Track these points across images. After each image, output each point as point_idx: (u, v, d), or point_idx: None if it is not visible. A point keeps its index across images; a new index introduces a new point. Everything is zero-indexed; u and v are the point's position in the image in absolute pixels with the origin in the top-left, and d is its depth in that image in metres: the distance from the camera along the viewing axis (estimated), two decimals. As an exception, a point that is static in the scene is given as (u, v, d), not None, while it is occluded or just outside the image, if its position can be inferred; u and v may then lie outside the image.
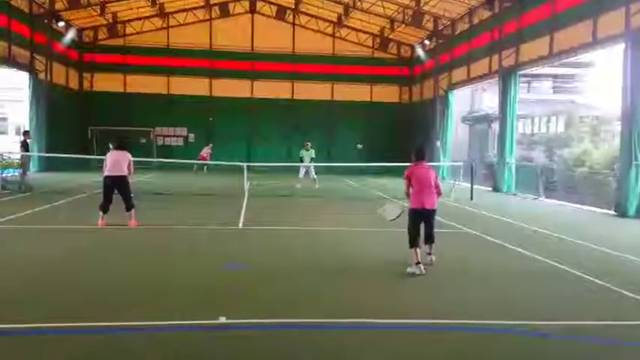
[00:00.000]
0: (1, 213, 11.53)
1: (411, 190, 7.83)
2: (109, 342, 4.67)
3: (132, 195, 10.58)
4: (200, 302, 5.83)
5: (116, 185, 10.31)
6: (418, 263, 7.28)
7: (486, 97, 33.25)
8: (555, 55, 18.28)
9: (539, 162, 23.93)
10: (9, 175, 18.39)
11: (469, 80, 25.59)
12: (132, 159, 10.59)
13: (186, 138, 32.97)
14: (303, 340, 4.83)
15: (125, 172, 10.36)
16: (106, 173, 10.36)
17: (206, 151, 27.80)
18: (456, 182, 20.00)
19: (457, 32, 26.84)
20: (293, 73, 33.37)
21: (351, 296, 6.26)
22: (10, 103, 37.26)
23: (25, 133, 18.83)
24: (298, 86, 33.62)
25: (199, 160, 26.44)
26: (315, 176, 20.54)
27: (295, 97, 33.61)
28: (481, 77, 24.22)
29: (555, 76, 34.73)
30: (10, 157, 19.18)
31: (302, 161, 20.71)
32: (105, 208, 10.36)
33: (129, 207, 10.47)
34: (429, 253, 7.84)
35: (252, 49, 33.15)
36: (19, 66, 24.18)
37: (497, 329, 5.24)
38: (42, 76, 25.81)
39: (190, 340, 4.78)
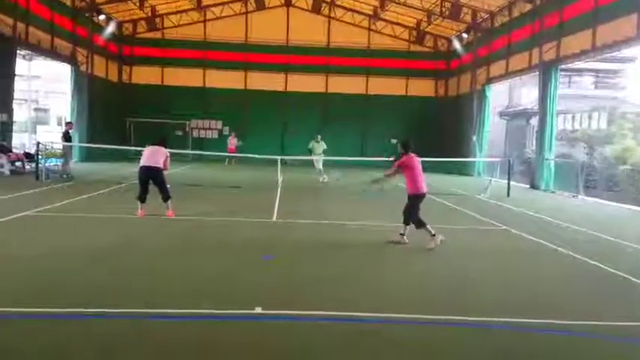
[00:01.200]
0: (45, 201, 11.91)
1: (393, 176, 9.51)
2: (140, 327, 4.78)
3: (168, 186, 10.74)
4: (235, 292, 5.90)
5: (149, 177, 10.48)
6: (434, 235, 8.54)
7: (525, 92, 32.53)
8: (598, 49, 17.73)
9: (579, 159, 23.31)
10: (52, 164, 18.94)
11: (508, 74, 25.07)
12: (169, 155, 10.86)
13: (220, 131, 33.33)
14: (336, 332, 4.84)
15: (159, 165, 10.51)
16: (140, 164, 10.60)
17: (232, 141, 27.98)
18: (492, 179, 19.66)
19: (496, 25, 26.31)
20: (327, 66, 33.31)
21: (379, 287, 6.25)
22: (52, 94, 38.33)
23: (68, 124, 19.38)
24: (332, 80, 33.55)
25: (229, 152, 26.72)
26: (321, 168, 20.30)
27: (329, 90, 33.56)
28: (520, 71, 23.69)
29: (597, 71, 33.69)
30: (52, 147, 19.73)
31: (311, 153, 20.56)
32: (141, 198, 10.56)
33: (165, 197, 10.62)
34: (403, 234, 8.82)
35: (287, 43, 33.21)
36: (62, 58, 24.84)
37: (556, 330, 5.14)
38: (83, 68, 26.45)
39: (227, 329, 4.85)
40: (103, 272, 6.58)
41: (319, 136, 20.86)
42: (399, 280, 6.84)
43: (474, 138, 27.33)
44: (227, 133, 33.00)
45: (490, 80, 26.67)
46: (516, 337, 4.93)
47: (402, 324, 5.15)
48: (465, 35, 28.68)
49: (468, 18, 27.33)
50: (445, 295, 6.17)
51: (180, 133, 32.12)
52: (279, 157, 19.99)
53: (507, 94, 33.92)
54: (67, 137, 17.99)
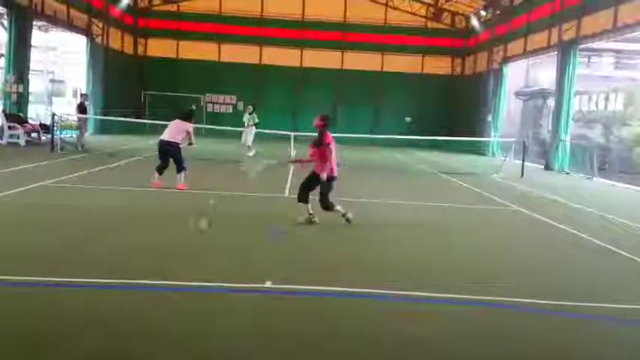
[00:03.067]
0: (59, 172, 12.07)
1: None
2: (154, 298, 4.89)
3: (183, 159, 10.82)
4: (246, 266, 5.99)
5: (165, 149, 10.63)
6: (345, 213, 8.26)
7: (542, 72, 31.99)
8: (619, 29, 17.35)
9: (595, 140, 23.00)
10: (67, 136, 19.12)
11: (526, 53, 24.68)
12: (193, 128, 11.02)
13: (234, 105, 33.30)
14: (343, 307, 4.91)
15: (175, 140, 10.63)
16: (160, 137, 10.85)
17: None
18: (507, 159, 19.52)
19: (516, 3, 25.80)
20: (343, 42, 32.99)
21: (398, 266, 6.31)
22: (67, 66, 38.42)
23: (83, 95, 19.48)
24: (348, 56, 33.25)
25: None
26: (249, 143, 19.00)
27: (344, 67, 33.29)
28: (539, 50, 23.30)
29: (618, 52, 32.95)
30: (68, 119, 19.89)
31: (244, 125, 19.43)
32: (159, 169, 10.73)
33: (179, 169, 10.72)
34: (312, 214, 8.32)
35: (303, 18, 32.89)
36: (77, 30, 24.86)
37: (571, 313, 5.17)
38: (99, 40, 26.48)
39: (237, 301, 4.95)
40: (114, 245, 6.70)
41: (251, 107, 19.81)
42: (403, 256, 6.87)
43: (490, 117, 27.05)
44: (241, 108, 32.96)
45: (508, 59, 26.27)
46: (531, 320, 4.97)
47: (418, 302, 5.20)
48: (483, 12, 28.20)
49: (487, -5, 26.82)
50: (459, 274, 6.19)
51: (194, 106, 32.14)
52: (292, 133, 19.97)
53: (524, 74, 33.37)
54: (82, 109, 18.13)
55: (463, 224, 9.30)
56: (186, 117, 11.14)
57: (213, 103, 33.30)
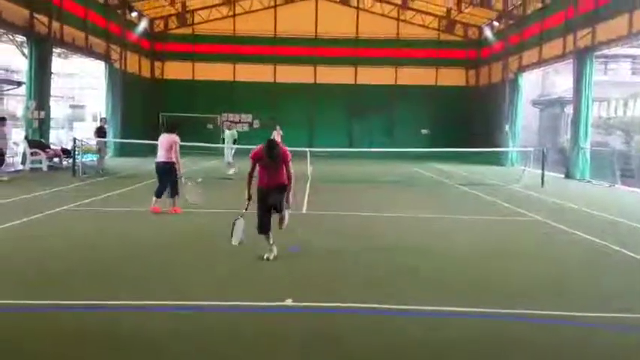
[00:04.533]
0: (81, 196, 12.27)
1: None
2: (181, 319, 4.91)
3: (178, 180, 10.31)
4: (266, 284, 5.99)
5: (162, 170, 10.28)
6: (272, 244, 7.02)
7: (559, 80, 31.76)
8: (634, 34, 17.19)
9: (616, 147, 22.68)
10: (88, 160, 19.43)
11: (541, 62, 24.54)
12: (179, 142, 10.36)
13: (250, 124, 33.60)
14: (364, 325, 4.88)
15: (172, 159, 10.19)
16: (156, 159, 10.47)
17: (276, 135, 27.38)
18: (526, 168, 19.32)
19: (528, 12, 25.74)
20: (356, 57, 33.19)
21: (415, 283, 6.25)
22: (87, 90, 39.20)
23: (102, 119, 19.82)
24: (361, 71, 33.43)
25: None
26: (231, 160, 18.63)
27: (358, 81, 33.45)
28: (554, 59, 23.15)
29: (634, 57, 32.65)
30: (88, 143, 20.23)
31: (224, 142, 19.13)
32: (158, 193, 10.32)
33: (172, 193, 10.28)
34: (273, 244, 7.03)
35: (316, 35, 33.20)
36: (96, 55, 25.39)
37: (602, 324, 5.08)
38: (117, 64, 26.99)
39: (259, 320, 4.94)
40: (134, 266, 6.76)
41: (230, 124, 19.73)
42: (430, 271, 6.81)
43: (507, 127, 26.87)
44: (257, 125, 33.25)
45: (523, 68, 26.15)
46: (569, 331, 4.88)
47: (444, 317, 5.15)
48: (496, 23, 28.17)
49: (500, 5, 26.82)
50: (484, 286, 6.12)
51: (211, 126, 32.51)
52: (308, 149, 20.05)
53: (540, 82, 33.19)
54: (100, 133, 18.44)
55: (488, 236, 9.20)
56: (171, 129, 10.71)
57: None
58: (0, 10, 17.58)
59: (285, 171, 6.85)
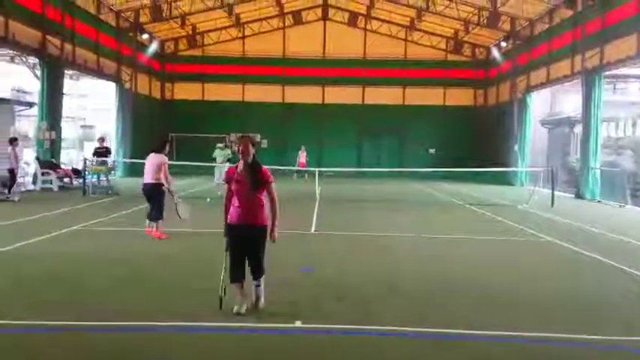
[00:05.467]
0: (91, 216, 12.34)
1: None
2: (190, 340, 4.87)
3: (174, 198, 9.77)
4: (277, 305, 5.94)
5: (149, 193, 9.74)
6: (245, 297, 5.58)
7: (567, 100, 31.70)
8: (643, 54, 17.20)
9: (626, 167, 22.51)
10: (94, 180, 19.51)
11: (549, 82, 24.57)
12: (167, 163, 9.77)
13: (259, 144, 33.75)
14: (375, 348, 4.82)
15: (157, 180, 9.59)
16: (143, 180, 9.90)
17: (302, 156, 27.14)
18: (536, 188, 19.21)
19: (536, 33, 25.86)
20: (364, 78, 33.41)
21: (421, 304, 6.18)
22: (97, 111, 39.60)
23: (100, 140, 19.85)
24: (369, 91, 33.62)
25: (299, 166, 26.04)
26: (221, 181, 17.06)
27: (366, 102, 33.61)
28: (562, 79, 23.17)
29: (644, 77, 32.52)
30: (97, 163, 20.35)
31: (215, 161, 18.34)
32: (148, 215, 9.88)
33: (154, 216, 9.69)
34: (259, 298, 5.69)
35: (324, 56, 33.50)
36: (107, 76, 25.73)
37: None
38: (127, 85, 27.31)
39: (268, 342, 4.89)
40: (140, 288, 6.75)
41: (223, 144, 19.13)
42: (438, 292, 6.73)
43: (516, 147, 26.81)
44: (266, 146, 33.41)
45: (531, 88, 26.18)
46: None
47: (453, 340, 5.07)
48: (503, 44, 28.30)
49: (507, 26, 26.97)
50: (502, 309, 6.04)
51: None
52: (316, 170, 20.09)
53: (549, 102, 33.10)
54: (99, 153, 18.59)
55: (500, 257, 9.11)
56: (159, 148, 9.92)
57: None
58: (13, 32, 17.91)
59: (263, 203, 5.53)
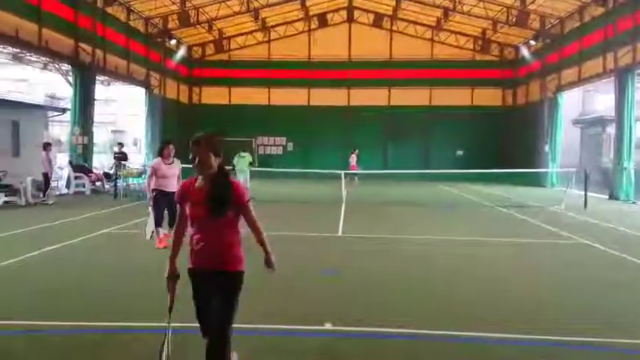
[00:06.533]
0: (122, 219, 12.57)
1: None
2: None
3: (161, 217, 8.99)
4: (304, 307, 5.94)
5: (172, 201, 8.32)
6: None
7: (600, 99, 31.02)
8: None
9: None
10: (124, 184, 19.86)
11: (580, 81, 24.03)
12: (179, 170, 9.03)
13: (284, 147, 33.95)
14: (403, 350, 4.77)
15: (175, 188, 8.39)
16: (154, 186, 8.85)
17: (354, 158, 26.67)
18: (568, 189, 18.81)
19: (566, 31, 25.36)
20: (390, 79, 33.22)
21: (448, 306, 6.10)
22: (127, 117, 40.41)
23: (119, 144, 20.38)
24: (395, 92, 33.40)
25: (351, 169, 25.66)
26: (248, 186, 17.02)
27: (392, 103, 33.43)
28: (594, 77, 22.64)
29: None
30: (129, 167, 20.76)
31: (234, 169, 17.61)
32: (169, 222, 8.69)
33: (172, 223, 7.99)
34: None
35: (350, 58, 33.45)
36: (137, 82, 26.20)
37: None
38: (156, 91, 27.75)
39: (298, 345, 4.89)
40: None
41: (243, 152, 18.78)
42: (469, 295, 6.64)
43: (547, 147, 26.32)
44: (291, 148, 33.59)
45: (562, 87, 25.67)
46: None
47: (471, 342, 5.00)
48: (533, 42, 27.82)
49: (536, 24, 26.51)
50: (531, 312, 5.93)
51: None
52: (342, 172, 20.05)
53: (581, 101, 32.45)
54: (119, 158, 19.03)
55: (535, 260, 8.95)
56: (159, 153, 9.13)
57: (265, 145, 34.01)
58: (47, 39, 18.37)
59: (238, 238, 3.67)
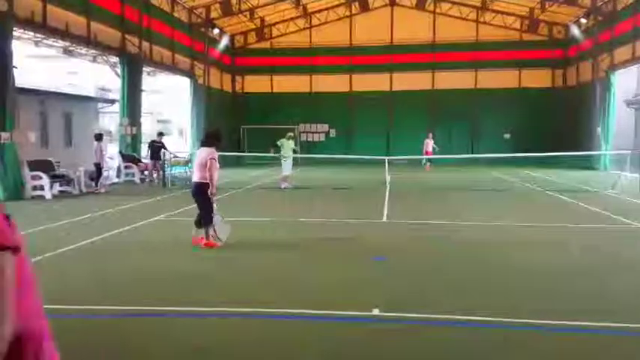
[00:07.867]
0: (172, 207, 12.85)
1: None
2: (272, 325, 4.96)
3: (213, 210, 8.32)
4: (352, 294, 5.94)
5: (195, 193, 8.43)
6: None
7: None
8: None
9: None
10: (176, 172, 20.34)
11: (635, 60, 22.95)
12: (216, 157, 8.36)
13: (327, 133, 33.92)
14: (454, 337, 4.70)
15: (204, 179, 8.20)
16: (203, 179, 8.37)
17: (429, 144, 26.06)
18: (622, 173, 18.06)
19: (619, 7, 24.20)
20: (434, 62, 32.58)
21: (501, 291, 5.96)
22: (173, 107, 41.18)
23: (159, 134, 20.68)
24: (439, 76, 32.74)
25: (426, 154, 25.68)
26: (288, 172, 17.15)
27: (436, 87, 32.81)
28: (650, 55, 21.58)
29: None
30: (176, 156, 21.19)
31: (280, 152, 17.20)
32: (197, 222, 8.47)
33: (203, 221, 8.31)
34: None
35: (392, 42, 32.97)
36: (181, 72, 26.67)
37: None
38: (200, 80, 28.17)
39: (346, 332, 4.90)
40: (225, 274, 6.94)
41: (291, 134, 18.07)
42: (523, 283, 6.48)
43: (599, 129, 25.34)
44: (334, 135, 33.53)
45: (615, 67, 24.59)
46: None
47: (524, 330, 4.88)
48: (583, 20, 26.71)
49: (587, 2, 25.42)
50: (595, 303, 5.75)
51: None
52: (386, 158, 19.88)
53: (635, 81, 30.99)
54: (153, 149, 19.30)
55: (593, 247, 8.66)
56: (207, 141, 8.64)
57: (307, 132, 34.08)
58: (95, 33, 18.88)
59: None
